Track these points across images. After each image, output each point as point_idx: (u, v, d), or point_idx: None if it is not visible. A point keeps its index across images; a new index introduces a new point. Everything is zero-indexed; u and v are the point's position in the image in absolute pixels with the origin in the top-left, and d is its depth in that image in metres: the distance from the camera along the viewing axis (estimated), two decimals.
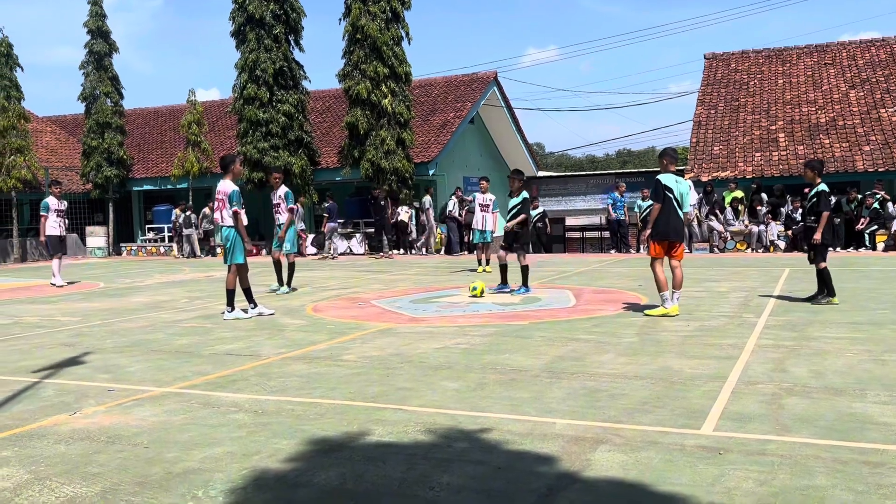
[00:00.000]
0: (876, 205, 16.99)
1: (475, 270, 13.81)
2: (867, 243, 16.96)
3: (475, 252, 14.48)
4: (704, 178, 19.68)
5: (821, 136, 20.25)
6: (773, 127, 21.23)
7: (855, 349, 5.63)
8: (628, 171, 38.12)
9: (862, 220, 17.05)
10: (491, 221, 13.34)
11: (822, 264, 8.27)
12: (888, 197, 17.14)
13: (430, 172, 22.89)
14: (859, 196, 17.33)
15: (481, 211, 13.25)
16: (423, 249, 21.00)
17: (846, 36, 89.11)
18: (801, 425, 3.76)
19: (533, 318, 7.86)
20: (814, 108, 21.50)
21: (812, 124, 20.84)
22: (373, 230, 21.13)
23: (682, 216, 7.75)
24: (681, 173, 8.11)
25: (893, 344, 5.78)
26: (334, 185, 23.90)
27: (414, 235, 21.33)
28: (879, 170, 18.31)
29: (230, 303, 8.36)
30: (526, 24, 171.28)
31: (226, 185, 8.29)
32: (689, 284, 10.46)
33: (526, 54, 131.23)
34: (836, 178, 18.28)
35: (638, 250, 18.94)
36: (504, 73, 79.53)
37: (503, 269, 10.48)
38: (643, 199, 19.50)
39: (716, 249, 18.04)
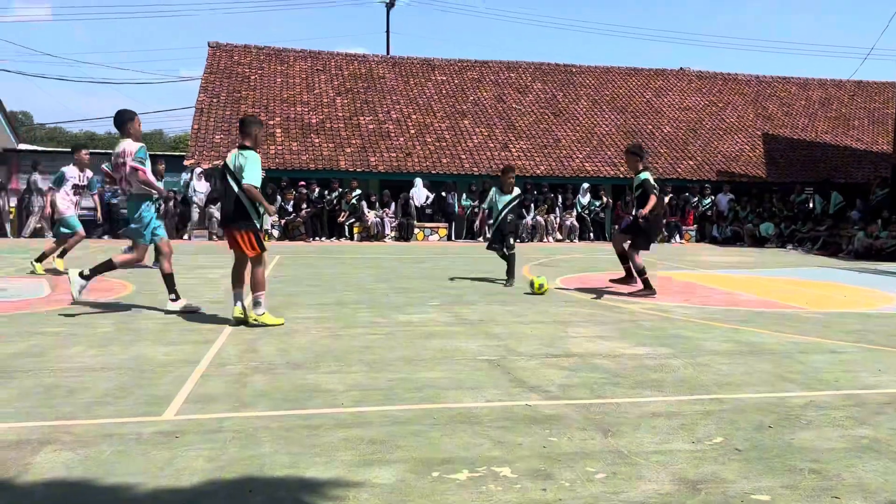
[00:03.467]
0: (354, 201, 19.41)
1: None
2: (346, 234, 19.26)
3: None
4: (205, 166, 19.74)
5: (312, 135, 22.19)
6: (272, 122, 22.46)
7: (318, 327, 6.29)
8: None
9: (342, 213, 19.28)
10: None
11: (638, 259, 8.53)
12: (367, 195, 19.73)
13: None
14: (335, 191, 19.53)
15: None
16: None
17: (340, 48, 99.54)
18: (260, 400, 4.03)
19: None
20: (307, 109, 23.44)
21: (305, 124, 22.69)
22: None
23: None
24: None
25: (350, 321, 6.63)
26: None
27: None
28: (358, 170, 20.93)
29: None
30: None
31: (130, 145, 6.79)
32: (182, 271, 10.37)
33: (8, 8, 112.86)
34: (323, 174, 20.29)
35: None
36: None
37: None
38: None
39: (214, 237, 18.27)
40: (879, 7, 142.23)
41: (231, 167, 6.18)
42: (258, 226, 6.26)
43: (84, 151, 10.55)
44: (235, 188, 6.13)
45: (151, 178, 6.87)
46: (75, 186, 10.21)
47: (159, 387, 4.26)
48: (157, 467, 3.01)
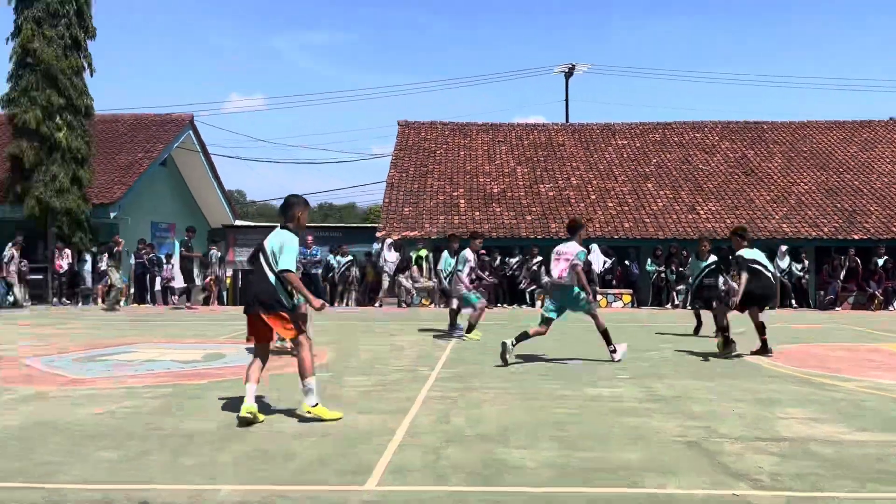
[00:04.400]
0: (535, 267, 19.49)
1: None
2: (528, 301, 19.32)
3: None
4: (395, 237, 20.84)
5: (493, 204, 22.75)
6: (455, 193, 23.36)
7: (506, 397, 6.30)
8: (327, 225, 38.94)
9: (524, 280, 19.42)
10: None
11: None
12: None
13: (112, 215, 21.03)
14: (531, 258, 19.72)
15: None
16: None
17: (517, 118, 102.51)
18: (455, 473, 4.08)
19: (214, 376, 7.52)
20: (488, 179, 24.14)
21: (487, 193, 23.34)
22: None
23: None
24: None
25: (538, 394, 6.58)
26: None
27: (89, 284, 19.31)
28: (539, 237, 21.07)
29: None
30: (229, 69, 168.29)
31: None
32: (374, 338, 10.92)
33: (228, 100, 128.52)
34: (505, 242, 20.65)
35: (332, 304, 19.32)
36: (201, 119, 76.71)
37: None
38: (342, 255, 19.99)
39: (403, 304, 19.08)
40: None
41: (266, 248, 5.45)
42: (290, 307, 5.45)
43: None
44: (267, 270, 5.39)
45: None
46: (471, 269, 11.26)
47: (361, 455, 4.45)
48: None
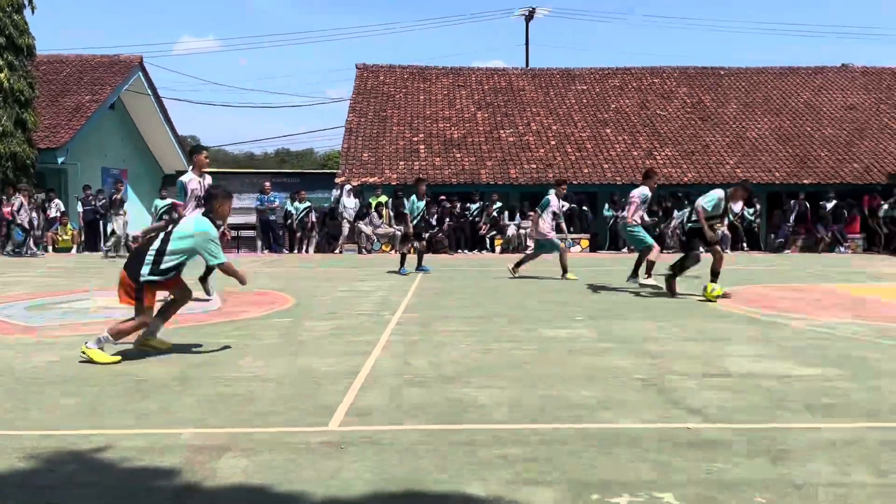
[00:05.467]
0: (495, 213, 19.56)
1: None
2: (488, 247, 19.44)
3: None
4: (355, 183, 20.65)
5: (454, 150, 22.64)
6: (416, 139, 23.15)
7: (468, 341, 6.39)
8: (285, 171, 38.34)
9: (483, 226, 19.49)
10: None
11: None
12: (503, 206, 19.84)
13: (60, 161, 20.36)
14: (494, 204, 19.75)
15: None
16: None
17: (476, 62, 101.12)
18: (416, 413, 4.15)
19: (170, 323, 7.44)
20: (449, 125, 23.96)
21: (447, 139, 23.19)
22: None
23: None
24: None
25: (498, 336, 6.68)
26: None
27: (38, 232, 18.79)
28: (498, 182, 21.09)
29: None
30: (179, 10, 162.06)
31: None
32: (335, 284, 10.91)
33: (180, 41, 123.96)
34: (465, 188, 20.64)
35: (292, 250, 19.19)
36: (152, 61, 73.72)
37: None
38: (299, 201, 19.76)
39: (364, 251, 19.04)
40: None
41: (178, 227, 5.72)
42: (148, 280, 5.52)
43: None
44: (157, 242, 5.60)
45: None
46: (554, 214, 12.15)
47: (323, 397, 4.49)
48: (327, 476, 3.18)
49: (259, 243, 20.08)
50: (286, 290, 10.19)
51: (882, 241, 19.34)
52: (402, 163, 21.94)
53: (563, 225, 12.41)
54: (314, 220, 20.05)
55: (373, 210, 19.62)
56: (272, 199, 19.55)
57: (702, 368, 5.27)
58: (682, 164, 21.93)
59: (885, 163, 22.08)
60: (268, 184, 20.01)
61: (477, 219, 19.76)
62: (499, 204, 19.96)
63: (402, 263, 12.77)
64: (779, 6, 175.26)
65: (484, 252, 19.28)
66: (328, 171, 29.74)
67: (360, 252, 19.09)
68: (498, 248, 19.52)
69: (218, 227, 5.81)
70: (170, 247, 5.58)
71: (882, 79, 27.22)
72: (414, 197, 12.62)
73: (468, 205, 19.96)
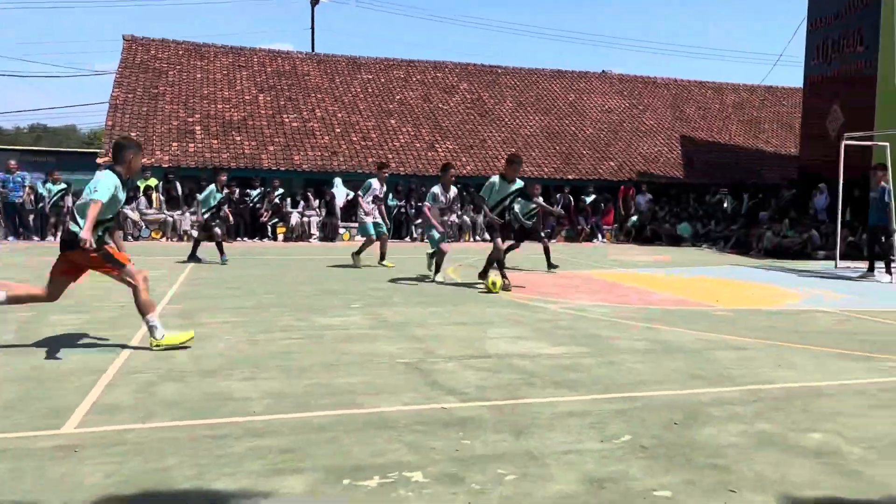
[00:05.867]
0: (277, 200, 19.07)
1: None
2: (270, 235, 18.92)
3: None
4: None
5: (233, 132, 21.68)
6: (191, 119, 21.83)
7: (236, 332, 6.14)
8: (38, 148, 34.34)
9: (264, 213, 18.92)
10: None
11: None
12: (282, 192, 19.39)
13: None
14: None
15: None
16: None
17: (263, 43, 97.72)
18: (168, 410, 3.90)
19: None
20: (228, 106, 22.88)
21: (226, 121, 22.15)
22: None
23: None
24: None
25: (269, 326, 6.50)
26: None
27: None
28: (281, 168, 20.56)
29: None
30: None
31: None
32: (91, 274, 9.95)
33: None
34: (245, 173, 19.86)
35: (44, 238, 17.25)
36: None
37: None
38: (53, 183, 17.86)
39: (130, 238, 17.63)
40: (789, 15, 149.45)
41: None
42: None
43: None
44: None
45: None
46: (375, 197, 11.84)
47: (61, 398, 4.06)
48: (53, 483, 2.87)
49: (1, 230, 17.78)
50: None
51: (633, 233, 21.65)
52: (175, 144, 20.59)
53: (384, 210, 12.25)
54: (70, 204, 18.14)
55: (141, 194, 18.21)
56: (18, 178, 17.41)
57: (464, 351, 5.53)
58: (462, 156, 22.88)
59: (635, 162, 24.73)
60: (13, 162, 17.78)
61: (258, 205, 19.12)
62: (281, 190, 19.47)
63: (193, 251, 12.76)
64: (553, 11, 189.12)
65: (265, 240, 18.72)
66: (92, 150, 27.09)
67: (125, 239, 17.62)
68: (280, 237, 19.06)
69: None
70: None
71: (635, 85, 30.41)
72: (213, 186, 12.42)
73: (248, 191, 19.23)
